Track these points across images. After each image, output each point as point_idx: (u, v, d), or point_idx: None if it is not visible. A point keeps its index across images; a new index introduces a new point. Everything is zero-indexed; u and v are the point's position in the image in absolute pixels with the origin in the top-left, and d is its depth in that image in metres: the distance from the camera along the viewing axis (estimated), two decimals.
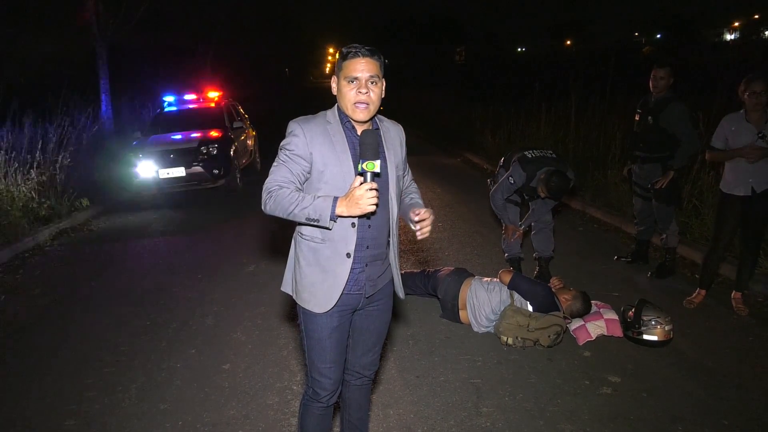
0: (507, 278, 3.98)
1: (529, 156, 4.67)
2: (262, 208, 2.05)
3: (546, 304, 3.84)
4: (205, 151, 8.75)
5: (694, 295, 4.37)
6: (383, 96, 2.14)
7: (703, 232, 5.54)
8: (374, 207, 1.94)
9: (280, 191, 2.01)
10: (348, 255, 2.11)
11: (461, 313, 4.09)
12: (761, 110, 4.08)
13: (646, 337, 3.73)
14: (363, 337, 2.33)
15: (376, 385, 3.36)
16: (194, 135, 9.16)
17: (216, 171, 8.80)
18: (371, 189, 1.90)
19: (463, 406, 3.12)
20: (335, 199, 1.96)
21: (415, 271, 4.65)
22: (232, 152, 9.16)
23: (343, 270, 2.11)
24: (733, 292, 4.38)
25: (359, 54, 2.05)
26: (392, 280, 2.34)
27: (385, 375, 3.48)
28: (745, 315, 4.16)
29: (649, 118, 4.97)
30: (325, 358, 2.20)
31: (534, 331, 3.70)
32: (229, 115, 10.11)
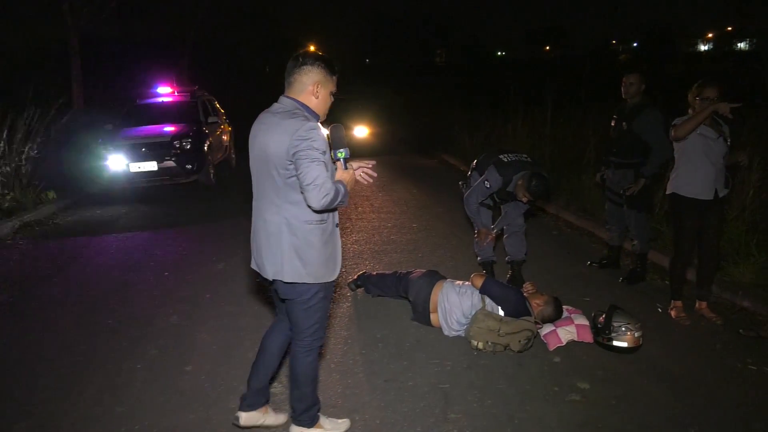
0: (479, 282, 3.94)
1: (505, 160, 4.64)
2: (318, 205, 2.35)
3: (517, 309, 3.80)
4: (178, 146, 8.57)
5: (672, 308, 4.35)
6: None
7: (673, 237, 5.57)
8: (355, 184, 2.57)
9: (334, 189, 2.37)
10: (336, 226, 2.63)
11: (432, 316, 4.04)
12: (712, 116, 4.09)
13: (616, 343, 3.72)
14: None
15: (343, 389, 3.28)
16: (167, 129, 8.97)
17: (189, 166, 8.62)
18: (353, 171, 2.58)
19: (431, 412, 3.06)
20: (343, 183, 2.46)
21: (386, 272, 4.59)
22: (206, 147, 8.99)
23: (338, 238, 2.66)
24: (697, 302, 4.38)
25: (337, 73, 2.56)
26: None
27: (352, 379, 3.40)
28: (719, 323, 4.17)
29: (624, 124, 4.99)
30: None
31: (505, 336, 3.67)
32: (204, 109, 9.92)
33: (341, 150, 2.48)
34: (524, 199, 4.53)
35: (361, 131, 12.47)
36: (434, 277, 4.18)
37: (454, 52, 44.39)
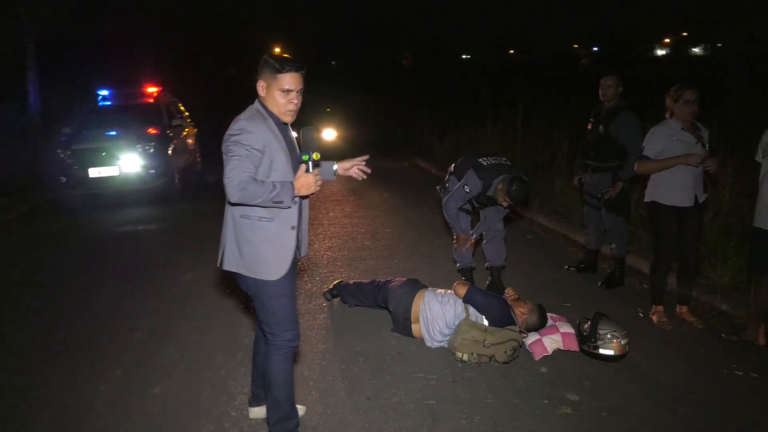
0: (462, 291, 3.81)
1: (484, 164, 4.53)
2: (232, 198, 2.37)
3: (502, 318, 3.68)
4: (140, 149, 8.22)
5: (653, 313, 4.31)
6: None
7: (650, 242, 5.56)
8: (319, 188, 2.49)
9: (252, 182, 2.35)
10: (292, 228, 2.57)
11: (413, 327, 3.88)
12: (691, 119, 4.08)
13: (602, 351, 3.64)
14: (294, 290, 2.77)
15: (324, 408, 3.10)
16: (129, 132, 8.60)
17: (152, 171, 8.27)
18: (317, 174, 2.47)
19: (418, 431, 2.90)
20: (291, 183, 2.42)
21: (363, 281, 4.41)
22: (170, 151, 8.66)
23: (290, 240, 2.57)
24: (678, 307, 4.36)
25: (292, 70, 2.46)
26: (301, 243, 2.77)
27: (333, 397, 3.22)
28: (701, 328, 4.14)
29: (600, 127, 4.95)
30: (291, 309, 2.66)
31: (490, 347, 3.54)
32: (168, 111, 9.57)
33: (307, 153, 2.47)
34: (504, 204, 4.43)
35: (329, 134, 12.24)
36: (415, 286, 4.03)
37: (421, 56, 44.44)
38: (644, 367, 3.60)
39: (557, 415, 3.06)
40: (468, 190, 4.48)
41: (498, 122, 10.58)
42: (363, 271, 5.23)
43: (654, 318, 4.30)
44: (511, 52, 62.51)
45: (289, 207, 2.45)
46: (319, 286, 4.87)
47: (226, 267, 2.59)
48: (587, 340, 3.71)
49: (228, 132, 2.44)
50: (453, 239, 4.88)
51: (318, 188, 2.47)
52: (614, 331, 3.66)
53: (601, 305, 4.35)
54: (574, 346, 3.74)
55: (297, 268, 2.91)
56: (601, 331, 3.67)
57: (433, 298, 3.87)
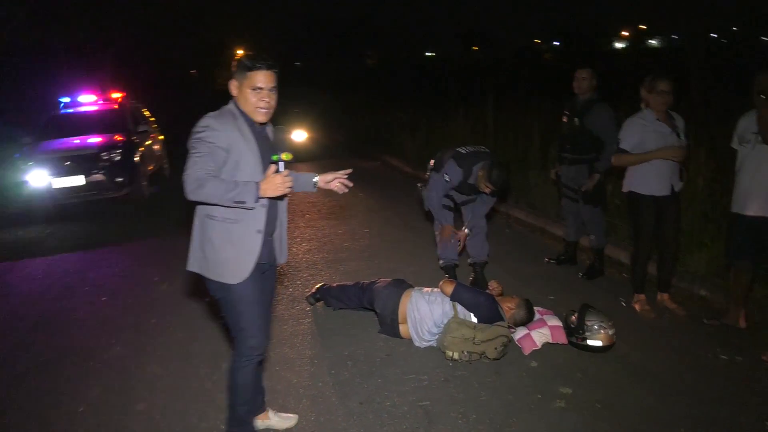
0: (449, 289, 3.77)
1: (463, 152, 4.53)
2: (189, 195, 2.30)
3: (490, 315, 3.66)
4: (106, 157, 7.96)
5: (636, 302, 4.35)
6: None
7: (628, 232, 5.64)
8: (289, 189, 2.38)
9: (211, 180, 2.29)
10: (258, 231, 2.49)
11: (401, 328, 3.83)
12: (666, 109, 4.14)
13: (590, 342, 3.65)
14: (263, 297, 2.68)
15: (316, 416, 3.03)
16: (94, 140, 8.32)
17: (119, 179, 8.02)
18: (287, 175, 2.36)
19: None
20: (257, 183, 2.31)
21: (347, 283, 4.34)
22: (137, 158, 8.42)
23: (254, 245, 2.49)
24: (659, 294, 4.41)
25: (263, 67, 2.41)
26: (279, 249, 2.74)
27: (325, 403, 3.15)
28: (683, 314, 4.20)
29: (576, 120, 4.98)
30: (256, 316, 2.56)
31: (480, 344, 3.51)
32: (133, 118, 9.30)
33: (285, 153, 2.42)
34: (487, 190, 4.41)
35: (299, 135, 12.08)
36: (401, 286, 3.97)
37: (386, 54, 44.43)
38: (632, 356, 3.63)
39: (552, 409, 3.05)
40: (448, 179, 4.46)
41: (468, 117, 10.60)
42: (344, 273, 5.16)
43: (637, 307, 4.34)
44: (475, 48, 63.00)
45: (252, 208, 2.37)
46: (300, 290, 4.78)
47: (190, 267, 2.56)
48: (575, 332, 3.71)
49: (194, 129, 2.40)
50: (436, 233, 4.84)
51: (287, 190, 2.38)
52: (601, 321, 3.67)
53: (583, 296, 4.39)
54: (562, 338, 3.74)
55: (275, 274, 2.82)
56: (588, 323, 3.68)
57: (420, 297, 3.82)
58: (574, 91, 5.01)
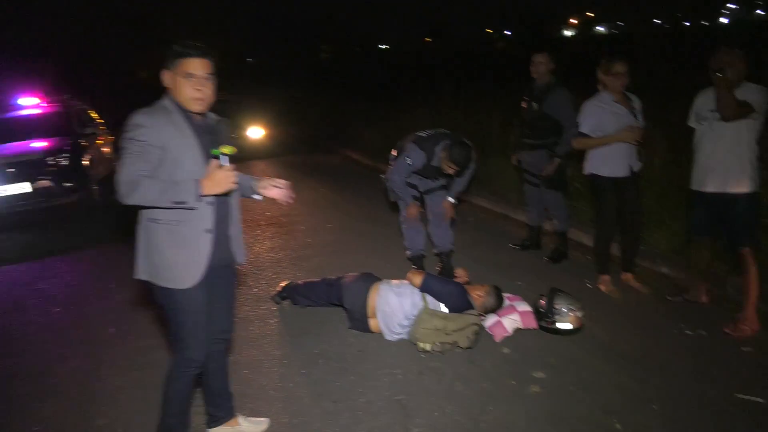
0: (418, 280, 3.72)
1: (424, 135, 4.51)
2: (124, 200, 2.17)
3: (461, 303, 3.63)
4: (52, 162, 7.56)
5: (601, 283, 4.40)
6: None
7: (590, 215, 5.71)
8: (236, 185, 2.27)
9: (145, 181, 2.15)
10: (206, 231, 2.35)
11: (371, 322, 3.76)
12: (622, 90, 4.19)
13: (560, 325, 3.67)
14: (221, 303, 2.56)
15: (290, 418, 2.93)
16: (38, 144, 7.91)
17: (68, 184, 7.64)
18: (231, 170, 2.21)
19: (392, 429, 2.79)
20: (197, 181, 2.18)
21: (314, 280, 4.23)
22: (85, 162, 8.05)
23: (204, 245, 2.35)
24: (623, 274, 4.48)
25: (196, 54, 2.27)
26: (234, 249, 2.56)
27: (297, 404, 3.05)
28: (647, 293, 4.27)
29: (534, 104, 4.99)
30: (200, 327, 2.43)
31: (452, 333, 3.47)
32: (79, 119, 8.89)
33: (227, 146, 2.24)
34: (450, 171, 4.37)
35: (256, 132, 11.80)
36: (369, 279, 3.90)
37: (340, 48, 44.15)
38: (602, 337, 3.66)
39: (528, 395, 3.04)
40: (410, 162, 4.42)
41: (426, 108, 10.59)
42: (309, 270, 5.05)
43: (602, 287, 4.39)
44: (428, 39, 63.27)
45: (194, 208, 2.23)
46: (266, 289, 4.65)
47: (139, 275, 2.41)
48: (545, 317, 3.72)
49: (124, 128, 2.26)
50: (402, 224, 4.78)
51: (233, 186, 2.24)
52: (570, 304, 3.69)
53: (550, 280, 4.41)
54: (532, 323, 3.75)
55: (234, 275, 2.67)
56: (557, 306, 3.70)
57: (388, 290, 3.75)
58: (532, 76, 5.02)
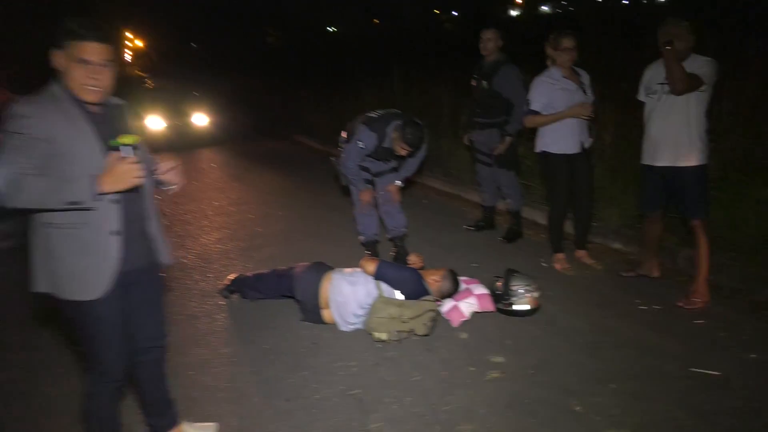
0: (371, 268, 3.58)
1: (374, 116, 4.35)
2: (7, 203, 1.87)
3: (416, 290, 3.52)
4: None
5: (556, 261, 4.38)
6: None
7: (543, 193, 5.69)
8: (141, 180, 1.97)
9: (29, 180, 1.87)
10: (113, 233, 2.08)
11: (324, 313, 3.61)
12: (571, 65, 4.15)
13: (516, 307, 3.61)
14: (146, 309, 2.33)
15: (240, 421, 2.76)
16: None
17: None
18: (134, 162, 1.92)
19: (349, 426, 2.66)
20: (93, 177, 1.91)
21: (263, 271, 4.04)
22: None
23: (111, 250, 2.08)
24: (577, 251, 4.48)
25: (93, 38, 1.99)
26: (156, 249, 2.29)
27: (247, 405, 2.88)
28: (600, 269, 4.27)
29: (484, 82, 4.90)
30: (114, 340, 2.18)
31: (408, 321, 3.36)
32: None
33: (127, 135, 1.96)
34: (403, 152, 4.25)
35: (200, 119, 11.36)
36: (320, 269, 3.73)
37: (288, 32, 43.11)
38: (558, 316, 3.63)
39: (487, 381, 2.96)
40: (363, 145, 4.26)
41: (375, 89, 10.42)
42: (260, 261, 4.84)
43: (557, 266, 4.38)
44: (376, 21, 62.68)
45: (92, 208, 1.96)
46: (213, 283, 4.42)
47: (37, 288, 2.10)
48: (502, 299, 3.67)
49: (3, 118, 1.97)
50: (355, 209, 4.63)
51: (138, 180, 1.96)
52: (526, 285, 3.65)
53: (505, 261, 4.37)
54: (490, 306, 3.68)
55: (158, 278, 2.38)
56: (513, 287, 3.65)
57: (341, 279, 3.61)
58: (481, 53, 4.93)
